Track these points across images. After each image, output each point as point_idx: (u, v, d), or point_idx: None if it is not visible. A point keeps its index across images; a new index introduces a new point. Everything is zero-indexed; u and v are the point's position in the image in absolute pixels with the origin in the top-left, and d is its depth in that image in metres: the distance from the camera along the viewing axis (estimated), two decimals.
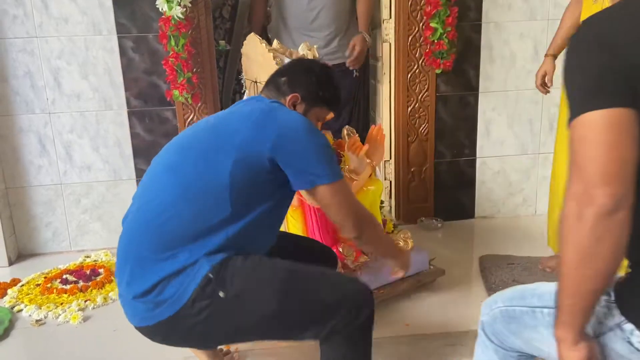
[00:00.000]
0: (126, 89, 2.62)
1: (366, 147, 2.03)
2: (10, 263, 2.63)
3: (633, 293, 0.96)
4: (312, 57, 1.96)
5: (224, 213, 1.32)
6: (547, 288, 1.09)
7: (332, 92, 1.60)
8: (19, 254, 2.72)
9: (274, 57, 1.90)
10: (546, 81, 2.33)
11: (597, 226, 0.85)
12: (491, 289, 2.19)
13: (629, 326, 0.94)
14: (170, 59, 2.47)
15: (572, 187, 0.89)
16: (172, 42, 2.45)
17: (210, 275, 1.29)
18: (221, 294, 1.29)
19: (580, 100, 0.89)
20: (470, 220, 2.99)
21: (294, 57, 1.94)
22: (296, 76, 1.57)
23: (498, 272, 2.33)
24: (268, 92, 1.56)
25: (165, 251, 1.31)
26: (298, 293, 1.35)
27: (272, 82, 1.58)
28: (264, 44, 2.00)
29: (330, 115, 1.63)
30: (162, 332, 1.38)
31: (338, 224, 1.46)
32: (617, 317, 0.96)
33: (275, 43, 2.03)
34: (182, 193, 1.34)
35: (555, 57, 2.30)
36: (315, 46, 2.09)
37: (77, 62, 2.57)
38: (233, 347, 1.84)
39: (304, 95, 1.54)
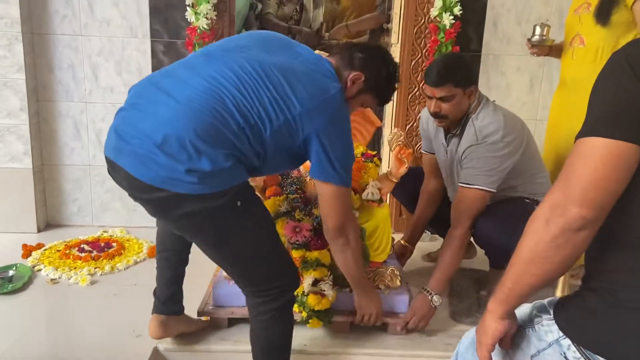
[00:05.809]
0: None
1: (410, 151, 2.13)
2: (39, 230, 2.99)
3: (572, 312, 1.03)
4: None
5: (260, 147, 1.47)
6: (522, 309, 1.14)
7: (391, 91, 1.77)
8: (47, 224, 3.08)
9: None
10: None
11: (560, 236, 0.92)
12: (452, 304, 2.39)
13: (566, 342, 1.01)
14: None
15: (554, 193, 0.94)
16: (196, 49, 2.76)
17: (242, 185, 1.45)
18: (239, 203, 1.44)
19: (595, 122, 0.92)
20: None
21: None
22: (372, 59, 1.68)
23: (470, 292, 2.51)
24: (339, 60, 1.67)
25: (217, 147, 1.37)
26: (274, 241, 1.58)
27: (348, 51, 1.68)
28: None
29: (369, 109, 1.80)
30: (173, 203, 1.40)
31: (324, 218, 1.69)
32: (556, 333, 1.04)
33: None
34: (236, 112, 1.41)
35: None
36: None
37: (114, 60, 2.92)
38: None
39: (368, 79, 1.67)
